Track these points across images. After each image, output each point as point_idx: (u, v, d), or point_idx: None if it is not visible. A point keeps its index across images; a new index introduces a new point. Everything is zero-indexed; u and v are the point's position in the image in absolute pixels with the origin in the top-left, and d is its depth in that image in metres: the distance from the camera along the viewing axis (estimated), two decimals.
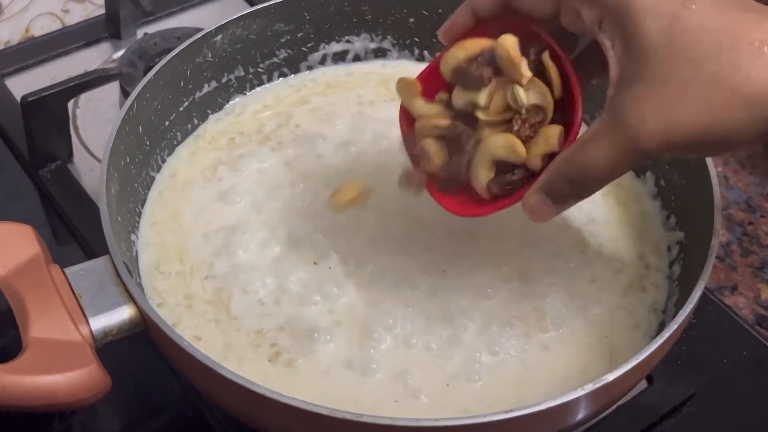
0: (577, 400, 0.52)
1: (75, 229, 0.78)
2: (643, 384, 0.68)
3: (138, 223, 0.68)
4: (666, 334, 0.55)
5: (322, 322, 0.62)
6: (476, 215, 0.58)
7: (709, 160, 0.63)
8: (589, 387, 0.52)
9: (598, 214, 0.69)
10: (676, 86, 0.48)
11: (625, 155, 0.50)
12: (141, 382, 0.68)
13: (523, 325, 0.62)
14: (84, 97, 0.88)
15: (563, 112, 0.57)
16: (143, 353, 0.66)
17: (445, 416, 0.52)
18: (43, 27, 0.98)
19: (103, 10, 0.95)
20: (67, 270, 0.58)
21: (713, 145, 0.49)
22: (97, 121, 0.87)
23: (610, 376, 0.52)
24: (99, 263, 0.58)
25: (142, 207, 0.69)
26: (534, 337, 0.62)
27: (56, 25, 0.98)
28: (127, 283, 0.57)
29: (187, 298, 0.64)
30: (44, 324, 0.55)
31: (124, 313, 0.57)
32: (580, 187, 0.53)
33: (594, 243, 0.67)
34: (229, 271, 0.65)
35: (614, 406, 0.65)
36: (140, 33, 0.93)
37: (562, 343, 0.62)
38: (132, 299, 0.57)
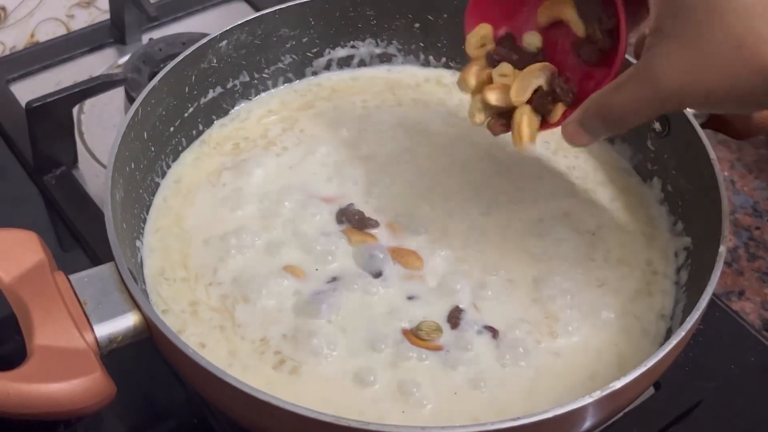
0: (585, 407, 0.52)
1: (80, 235, 0.77)
2: (651, 390, 0.68)
3: (143, 229, 0.68)
4: (674, 340, 0.54)
5: (327, 330, 0.61)
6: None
7: (716, 166, 0.63)
8: (597, 394, 0.52)
9: (607, 219, 0.69)
10: (704, 49, 0.51)
11: (649, 103, 0.54)
12: (146, 389, 0.68)
13: (533, 331, 0.62)
14: (89, 103, 0.88)
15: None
16: (148, 360, 0.66)
17: (452, 424, 0.52)
18: (48, 32, 0.98)
19: (108, 16, 0.95)
20: (72, 277, 0.58)
21: (729, 106, 0.53)
22: (101, 126, 0.87)
23: (618, 383, 0.52)
24: (104, 270, 0.58)
25: (147, 213, 0.69)
26: (544, 344, 0.62)
27: (61, 31, 0.98)
28: (131, 290, 0.56)
29: (192, 304, 0.63)
30: (49, 331, 0.55)
31: (128, 320, 0.56)
32: (608, 123, 0.57)
33: (602, 248, 0.67)
34: (233, 277, 0.65)
35: (622, 413, 0.65)
36: (145, 38, 0.93)
37: (571, 350, 0.61)
38: (137, 306, 0.56)
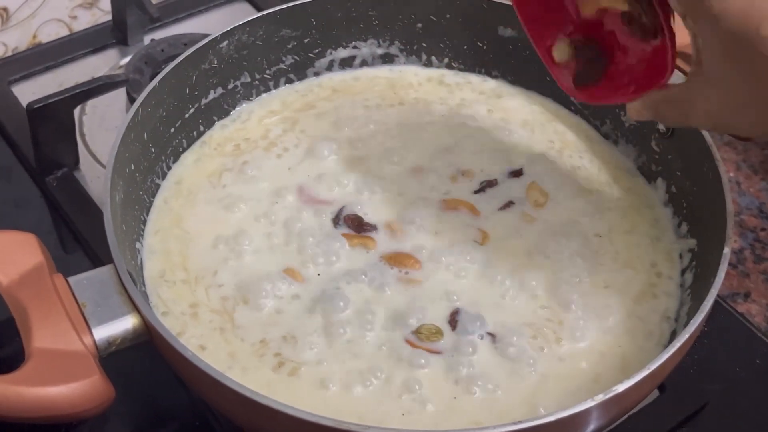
0: (588, 410, 0.51)
1: (81, 237, 0.77)
2: (655, 393, 0.67)
3: (143, 230, 0.67)
4: (677, 343, 0.54)
5: (326, 332, 0.61)
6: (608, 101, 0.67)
7: (721, 168, 0.63)
8: (601, 397, 0.51)
9: (612, 220, 0.69)
10: (743, 99, 0.53)
11: (685, 124, 0.59)
12: (147, 392, 0.68)
13: (536, 334, 0.62)
14: (90, 104, 0.87)
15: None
16: (150, 363, 0.65)
17: (453, 428, 0.52)
18: (51, 33, 0.98)
19: (110, 17, 0.95)
20: (71, 279, 0.58)
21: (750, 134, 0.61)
22: (103, 128, 0.86)
23: (621, 387, 0.52)
24: (103, 272, 0.58)
25: (147, 215, 0.68)
26: (546, 346, 0.61)
27: (64, 32, 0.98)
28: (131, 292, 0.56)
29: (193, 306, 0.63)
30: (47, 334, 0.54)
31: (128, 323, 0.56)
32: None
33: (609, 250, 0.67)
34: (233, 279, 0.64)
35: (625, 416, 0.65)
36: (147, 39, 0.93)
37: (574, 352, 0.61)
38: (136, 308, 0.56)
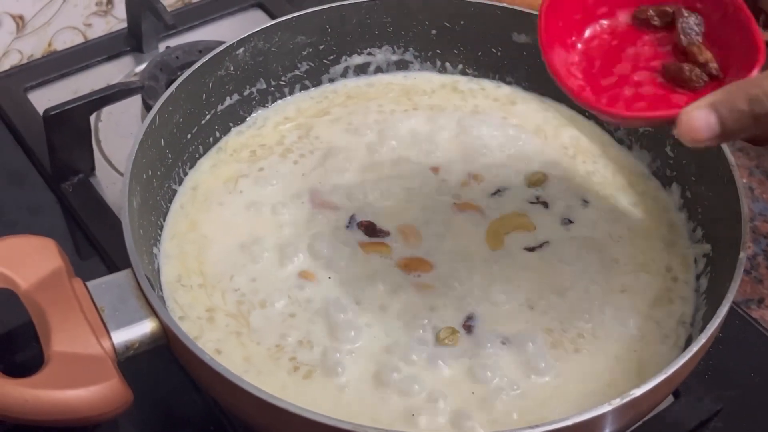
0: (603, 415, 0.51)
1: (97, 243, 0.77)
2: (670, 399, 0.67)
3: (160, 236, 0.68)
4: (694, 348, 0.54)
5: (342, 336, 0.61)
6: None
7: (735, 172, 0.63)
8: (617, 402, 0.51)
9: (628, 225, 0.69)
10: None
11: None
12: (163, 396, 0.68)
13: (552, 338, 0.62)
14: (106, 111, 0.88)
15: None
16: (165, 368, 0.66)
17: None
18: (66, 41, 0.98)
19: (124, 24, 0.96)
20: (89, 284, 0.58)
21: None
22: (119, 134, 0.87)
23: (638, 391, 0.52)
24: (121, 277, 0.58)
25: (164, 220, 0.69)
26: (562, 350, 0.61)
27: (78, 39, 0.99)
28: (149, 297, 0.56)
29: (209, 310, 0.63)
30: (66, 338, 0.55)
31: (145, 327, 0.56)
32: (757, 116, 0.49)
33: (624, 254, 0.67)
34: (249, 284, 0.65)
35: (640, 422, 0.65)
36: (162, 47, 0.94)
37: (591, 356, 0.61)
38: (154, 312, 0.56)
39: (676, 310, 0.64)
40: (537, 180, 0.71)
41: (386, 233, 0.68)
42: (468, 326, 0.62)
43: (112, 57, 0.94)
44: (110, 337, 0.56)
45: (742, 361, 0.71)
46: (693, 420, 0.67)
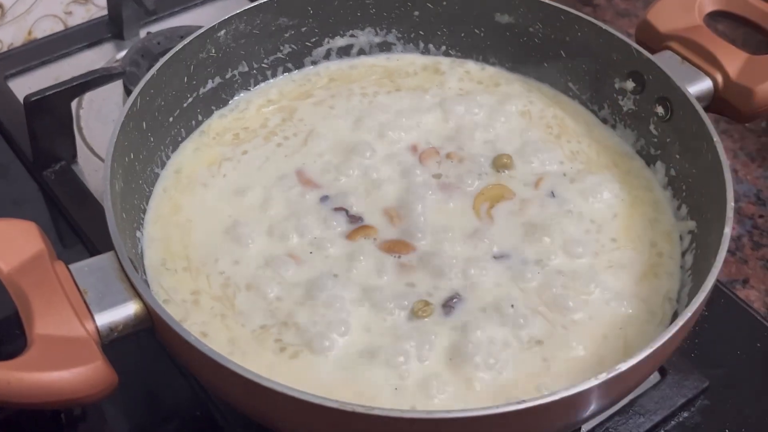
0: (590, 390, 0.51)
1: (80, 230, 0.77)
2: (657, 377, 0.67)
3: (143, 219, 0.67)
4: (680, 322, 0.54)
5: (327, 317, 0.61)
6: None
7: (720, 148, 0.63)
8: (603, 376, 0.51)
9: (612, 202, 0.69)
10: None
11: None
12: (150, 381, 0.68)
13: (539, 316, 0.61)
14: (88, 98, 0.87)
15: None
16: (152, 353, 0.66)
17: (454, 408, 0.52)
18: (46, 29, 0.98)
19: (105, 12, 0.95)
20: (72, 266, 0.57)
21: None
22: (100, 121, 0.86)
23: (624, 366, 0.52)
24: (104, 259, 0.58)
25: (147, 203, 0.68)
26: (550, 328, 0.61)
27: (59, 27, 0.98)
28: (132, 279, 0.56)
29: (194, 293, 0.63)
30: (49, 320, 0.54)
31: (129, 309, 0.56)
32: None
33: (609, 231, 0.67)
34: (234, 266, 0.64)
35: (628, 399, 0.65)
36: (143, 33, 0.93)
37: (578, 334, 0.61)
38: (138, 294, 0.56)
39: (662, 285, 0.64)
40: (503, 164, 0.71)
41: (370, 216, 0.67)
42: (449, 307, 0.62)
43: (92, 44, 0.94)
44: (93, 320, 0.55)
45: (728, 340, 0.71)
46: (680, 398, 0.67)
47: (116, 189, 0.61)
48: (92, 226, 0.76)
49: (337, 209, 0.68)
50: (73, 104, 0.81)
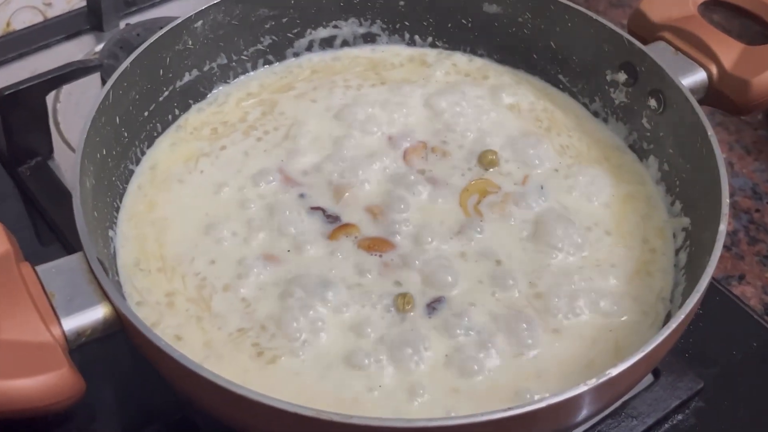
0: (580, 396, 0.50)
1: (57, 228, 0.75)
2: (650, 378, 0.66)
3: (116, 218, 0.65)
4: (674, 323, 0.53)
5: (306, 318, 0.59)
6: None
7: (714, 142, 0.62)
8: (593, 382, 0.50)
9: (603, 197, 0.68)
10: None
11: None
12: (126, 385, 0.66)
13: (526, 318, 0.60)
14: (65, 91, 0.86)
15: None
16: (128, 355, 0.64)
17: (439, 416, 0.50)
18: (25, 20, 0.96)
19: (84, 3, 0.93)
20: (39, 268, 0.56)
21: None
22: (78, 115, 0.85)
23: (615, 370, 0.50)
24: (72, 260, 0.56)
25: (121, 201, 0.66)
26: (538, 331, 0.59)
27: (38, 19, 0.97)
28: (101, 281, 0.54)
29: (169, 295, 0.61)
30: (13, 325, 0.52)
31: (98, 313, 0.54)
32: None
33: (599, 228, 0.66)
34: (211, 267, 0.62)
35: (620, 402, 0.64)
36: (123, 24, 0.92)
37: (567, 336, 0.59)
38: (107, 298, 0.54)
39: (655, 284, 0.62)
40: (489, 161, 0.69)
41: (338, 217, 0.65)
42: (432, 308, 0.60)
43: (71, 36, 0.93)
44: (60, 324, 0.53)
45: (723, 339, 0.70)
46: (674, 399, 0.66)
47: (87, 187, 0.59)
48: (70, 224, 0.73)
49: (317, 208, 0.66)
50: (50, 98, 0.80)
